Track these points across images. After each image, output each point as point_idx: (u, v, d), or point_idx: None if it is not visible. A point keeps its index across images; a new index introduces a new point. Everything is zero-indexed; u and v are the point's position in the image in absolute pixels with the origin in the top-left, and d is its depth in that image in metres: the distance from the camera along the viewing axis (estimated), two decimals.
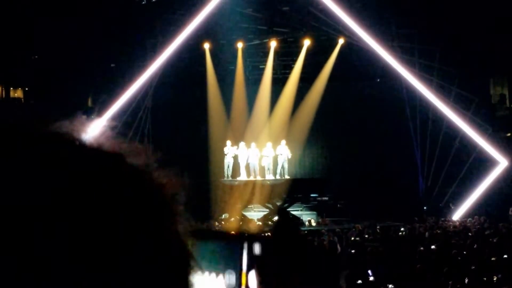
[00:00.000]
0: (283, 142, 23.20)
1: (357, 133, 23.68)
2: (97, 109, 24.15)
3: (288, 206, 22.32)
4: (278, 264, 1.02)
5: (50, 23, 22.74)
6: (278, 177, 23.01)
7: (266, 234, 1.16)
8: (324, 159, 25.18)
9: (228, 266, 1.05)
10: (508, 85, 25.80)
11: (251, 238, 1.08)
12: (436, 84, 22.69)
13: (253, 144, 23.17)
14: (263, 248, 1.06)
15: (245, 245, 1.06)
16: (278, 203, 21.97)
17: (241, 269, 1.04)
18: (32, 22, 22.85)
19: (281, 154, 22.99)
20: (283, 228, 1.08)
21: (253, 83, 25.11)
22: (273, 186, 22.37)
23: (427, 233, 16.88)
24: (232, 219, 21.20)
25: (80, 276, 0.63)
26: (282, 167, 23.10)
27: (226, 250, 1.07)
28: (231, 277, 1.04)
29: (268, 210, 22.10)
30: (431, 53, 22.79)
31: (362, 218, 20.13)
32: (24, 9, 22.75)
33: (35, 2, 22.94)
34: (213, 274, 1.06)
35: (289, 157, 23.07)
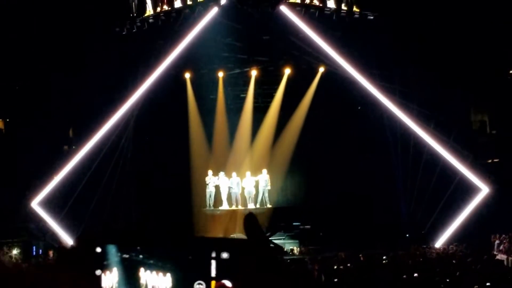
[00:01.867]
0: (265, 171, 23.16)
1: (339, 161, 23.54)
2: (78, 139, 24.01)
3: (271, 235, 22.25)
4: (248, 271, 0.98)
5: (31, 54, 22.72)
6: (258, 205, 22.98)
7: (234, 240, 1.13)
8: (305, 189, 24.98)
9: (197, 274, 1.03)
10: (488, 112, 26.02)
11: (219, 246, 1.05)
12: (417, 111, 22.79)
13: (234, 174, 23.18)
14: (231, 256, 1.03)
15: (213, 254, 1.03)
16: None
17: (210, 278, 1.03)
18: (13, 53, 22.80)
19: (262, 183, 23.04)
20: (252, 234, 1.03)
21: (234, 112, 24.99)
22: (255, 215, 22.26)
23: (410, 261, 16.86)
24: None
25: None
26: (263, 196, 23.10)
27: (195, 258, 1.04)
28: (200, 287, 1.03)
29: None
30: (410, 80, 22.95)
31: (345, 246, 20.02)
32: (5, 40, 22.72)
33: (16, 33, 22.92)
34: (161, 274, 1.07)
35: (269, 188, 23.12)
